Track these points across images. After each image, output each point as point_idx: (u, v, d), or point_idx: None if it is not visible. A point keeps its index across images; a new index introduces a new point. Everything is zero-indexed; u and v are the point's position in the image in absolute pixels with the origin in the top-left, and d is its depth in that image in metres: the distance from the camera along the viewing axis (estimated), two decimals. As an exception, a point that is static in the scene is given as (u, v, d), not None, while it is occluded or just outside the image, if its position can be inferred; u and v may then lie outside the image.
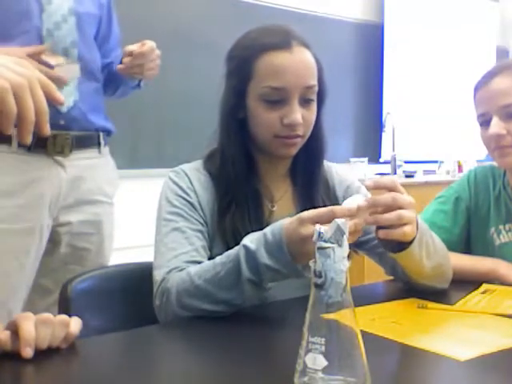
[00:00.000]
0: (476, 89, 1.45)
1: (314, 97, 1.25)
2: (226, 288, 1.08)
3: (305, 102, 1.23)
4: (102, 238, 1.78)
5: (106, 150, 1.80)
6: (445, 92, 5.04)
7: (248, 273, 1.06)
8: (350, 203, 1.02)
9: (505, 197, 1.49)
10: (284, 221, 1.06)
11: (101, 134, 1.76)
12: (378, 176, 4.31)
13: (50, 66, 1.49)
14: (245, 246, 1.07)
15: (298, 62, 1.21)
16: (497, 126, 1.38)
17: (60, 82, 1.53)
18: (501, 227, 1.48)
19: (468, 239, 1.54)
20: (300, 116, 1.21)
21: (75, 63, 1.57)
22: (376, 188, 1.07)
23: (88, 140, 1.73)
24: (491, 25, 5.58)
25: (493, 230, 1.49)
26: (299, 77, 1.21)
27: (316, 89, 1.24)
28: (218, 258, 1.11)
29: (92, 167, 1.74)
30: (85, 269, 1.60)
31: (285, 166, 1.33)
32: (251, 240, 1.08)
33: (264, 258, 1.05)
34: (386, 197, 1.05)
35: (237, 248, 1.09)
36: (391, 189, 1.07)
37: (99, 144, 1.76)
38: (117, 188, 1.85)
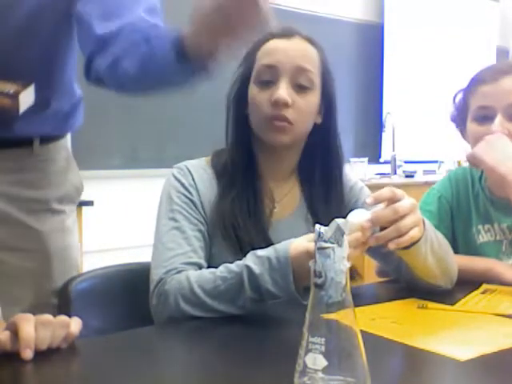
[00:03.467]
0: (480, 81, 1.46)
1: (311, 85, 1.24)
2: (225, 301, 1.08)
3: (299, 87, 1.23)
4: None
5: None
6: (445, 92, 5.03)
7: (250, 292, 1.06)
8: (353, 220, 1.02)
9: (483, 198, 1.51)
10: (290, 247, 1.05)
11: None
12: (378, 176, 4.31)
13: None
14: (248, 268, 1.07)
15: (293, 46, 1.24)
16: (501, 125, 1.39)
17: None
18: (480, 227, 1.49)
19: (454, 238, 1.55)
20: (285, 93, 1.21)
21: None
22: (376, 203, 1.08)
23: None
24: (491, 25, 5.58)
25: (474, 229, 1.50)
26: (290, 56, 1.23)
27: (312, 76, 1.24)
28: (219, 271, 1.10)
29: None
30: None
31: (289, 165, 1.32)
32: (254, 261, 1.07)
33: (268, 284, 1.05)
34: (388, 211, 1.05)
35: (239, 265, 1.09)
36: (390, 199, 1.06)
37: None
38: None
